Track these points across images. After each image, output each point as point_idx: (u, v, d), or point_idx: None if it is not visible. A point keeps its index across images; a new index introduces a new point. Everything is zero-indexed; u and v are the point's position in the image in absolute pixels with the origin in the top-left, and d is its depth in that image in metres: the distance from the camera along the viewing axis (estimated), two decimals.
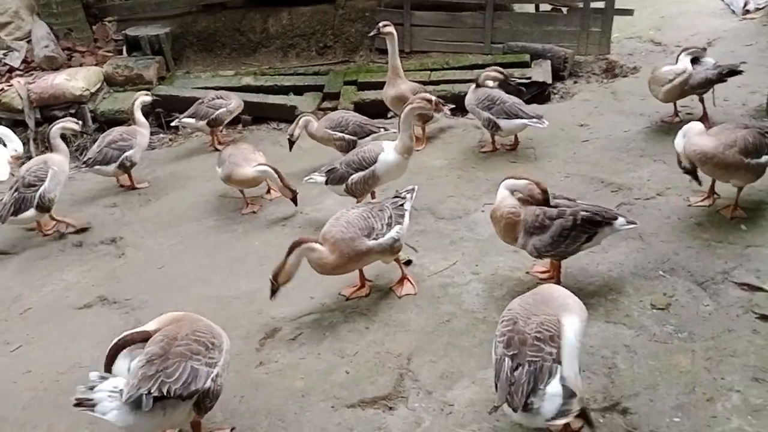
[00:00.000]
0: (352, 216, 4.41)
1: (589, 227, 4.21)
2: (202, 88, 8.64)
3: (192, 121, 7.43)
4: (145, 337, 3.34)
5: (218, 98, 7.49)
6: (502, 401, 3.03)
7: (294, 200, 5.70)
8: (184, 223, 6.10)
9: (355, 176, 5.38)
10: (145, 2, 9.84)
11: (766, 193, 5.27)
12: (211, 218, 6.14)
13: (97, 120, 8.55)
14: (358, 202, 5.43)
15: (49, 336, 4.74)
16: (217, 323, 4.27)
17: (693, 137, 4.87)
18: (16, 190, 5.87)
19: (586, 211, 4.20)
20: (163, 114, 8.61)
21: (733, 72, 6.43)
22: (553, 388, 2.98)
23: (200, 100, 7.51)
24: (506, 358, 3.11)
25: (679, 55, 6.45)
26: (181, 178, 7.04)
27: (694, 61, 6.45)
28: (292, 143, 6.52)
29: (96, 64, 9.19)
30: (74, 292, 5.25)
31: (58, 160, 6.07)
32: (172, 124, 7.84)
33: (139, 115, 6.94)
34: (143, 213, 6.38)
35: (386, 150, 5.37)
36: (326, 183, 5.57)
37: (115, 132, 6.84)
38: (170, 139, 8.39)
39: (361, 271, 4.71)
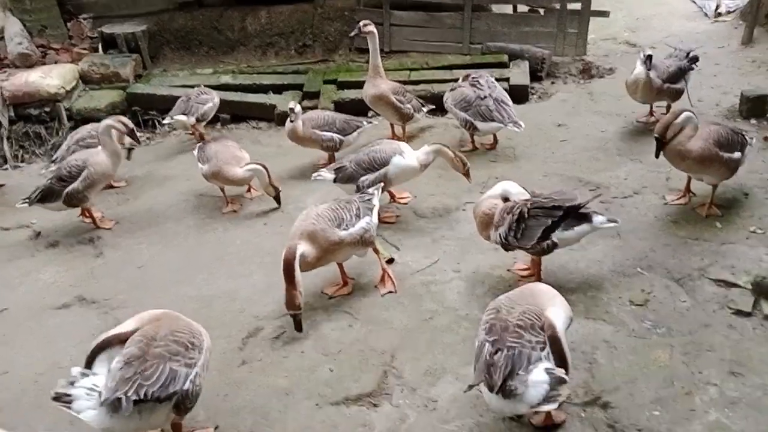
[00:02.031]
0: (320, 209, 4.47)
1: (544, 216, 4.21)
2: (180, 86, 8.55)
3: (184, 118, 7.29)
4: (124, 339, 3.31)
5: (204, 93, 7.45)
6: (479, 381, 3.13)
7: (277, 199, 5.70)
8: (163, 222, 6.04)
9: (367, 178, 5.38)
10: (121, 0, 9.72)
11: (739, 191, 5.39)
12: (191, 217, 6.09)
13: (72, 118, 8.39)
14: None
15: (27, 337, 4.66)
16: (198, 322, 4.26)
17: (691, 127, 4.92)
18: (51, 179, 5.81)
19: (537, 200, 4.27)
20: (140, 112, 8.51)
21: (694, 58, 6.66)
22: (538, 375, 3.04)
23: (185, 97, 7.41)
24: (486, 344, 3.21)
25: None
26: (159, 177, 6.97)
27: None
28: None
29: (71, 62, 9.02)
30: (52, 292, 5.17)
31: (100, 159, 5.83)
32: (164, 122, 7.55)
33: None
34: (121, 212, 6.30)
35: (405, 153, 5.40)
36: (335, 181, 5.53)
37: (84, 129, 6.73)
38: (148, 138, 8.28)
39: (342, 269, 4.72)
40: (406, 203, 5.83)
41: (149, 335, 3.29)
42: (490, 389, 3.08)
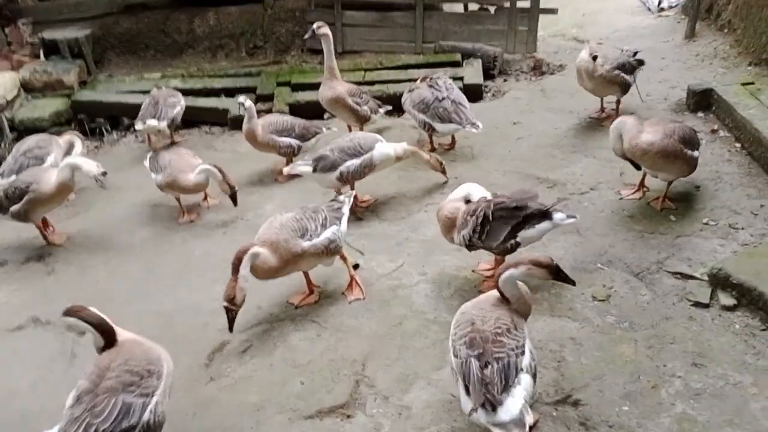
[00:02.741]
0: (285, 218, 4.37)
1: (507, 218, 4.25)
2: (127, 92, 8.33)
3: (156, 122, 7.02)
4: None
5: (171, 96, 7.22)
6: (480, 402, 3.01)
7: (233, 198, 5.55)
8: (117, 235, 5.85)
9: (351, 162, 5.37)
10: (63, 3, 9.38)
11: (691, 184, 5.55)
12: (147, 229, 5.92)
13: (15, 129, 8.08)
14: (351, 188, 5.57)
15: None
16: (160, 340, 4.13)
17: (631, 132, 5.03)
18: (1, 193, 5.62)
19: (499, 202, 4.30)
20: (87, 120, 8.24)
21: (640, 60, 6.83)
22: (517, 392, 3.07)
23: (152, 100, 7.12)
24: (472, 359, 3.13)
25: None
26: (110, 188, 6.71)
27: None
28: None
29: (11, 70, 8.68)
30: (4, 313, 4.95)
31: (44, 188, 5.50)
32: (137, 127, 7.16)
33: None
34: (72, 227, 6.08)
35: (384, 142, 5.57)
36: (314, 171, 5.46)
37: (30, 140, 6.46)
38: (96, 147, 8.02)
39: (307, 277, 4.66)
40: (367, 207, 5.81)
41: (103, 365, 3.17)
42: (493, 408, 2.99)
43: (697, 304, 4.22)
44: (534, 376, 3.20)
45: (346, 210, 4.67)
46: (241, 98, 6.30)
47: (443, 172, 5.92)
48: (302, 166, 5.51)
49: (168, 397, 3.28)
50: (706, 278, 4.38)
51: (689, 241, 4.86)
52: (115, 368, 3.13)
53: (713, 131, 6.37)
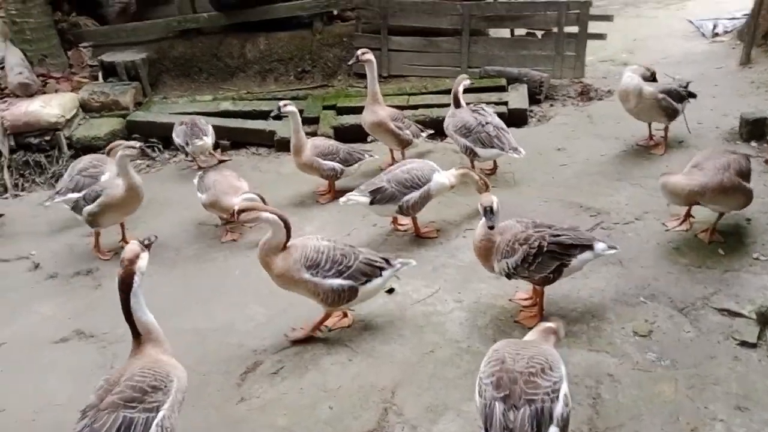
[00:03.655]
0: (315, 243, 4.33)
1: (559, 253, 4.19)
2: (180, 113, 8.57)
3: (207, 139, 7.43)
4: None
5: (204, 123, 7.58)
6: None
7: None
8: (161, 252, 5.99)
9: (411, 196, 5.41)
10: (121, 28, 9.78)
11: (741, 217, 5.35)
12: (190, 247, 6.06)
13: (72, 147, 8.41)
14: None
15: (24, 372, 4.61)
16: (195, 356, 4.21)
17: (677, 184, 4.93)
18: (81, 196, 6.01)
19: (556, 236, 4.21)
20: (140, 140, 8.50)
21: (691, 93, 6.68)
22: None
23: (189, 123, 7.49)
24: (496, 402, 2.97)
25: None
26: (158, 206, 6.94)
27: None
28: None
29: (71, 90, 9.06)
30: (49, 325, 5.12)
31: (114, 192, 5.80)
32: (189, 149, 7.44)
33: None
34: (119, 242, 6.27)
35: (441, 171, 5.60)
36: (371, 203, 5.47)
37: (85, 159, 6.74)
38: (147, 165, 8.29)
39: None
40: (406, 230, 5.80)
41: (113, 380, 3.25)
42: None
43: (744, 344, 4.04)
44: (564, 429, 3.02)
45: (388, 274, 4.44)
46: (282, 102, 6.39)
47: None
48: (359, 196, 5.50)
49: (177, 411, 3.29)
50: (754, 316, 4.20)
51: (738, 276, 4.67)
52: (123, 383, 3.20)
53: (767, 162, 6.13)
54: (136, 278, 3.40)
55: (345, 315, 4.68)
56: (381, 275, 4.38)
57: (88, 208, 5.80)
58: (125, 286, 3.39)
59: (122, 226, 6.19)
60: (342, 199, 5.64)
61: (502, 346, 3.31)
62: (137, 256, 3.43)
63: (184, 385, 3.38)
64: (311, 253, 4.25)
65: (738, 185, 4.83)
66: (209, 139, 7.45)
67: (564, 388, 3.08)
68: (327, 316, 4.49)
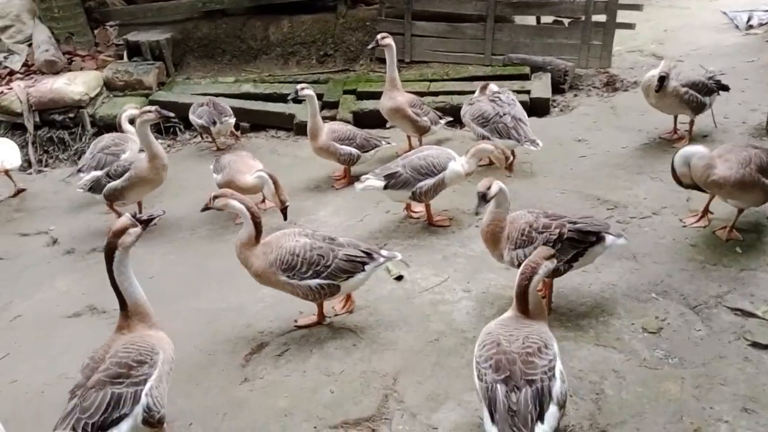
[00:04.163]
0: (291, 245, 4.23)
1: (577, 242, 4.15)
2: (201, 94, 8.62)
3: (229, 119, 7.58)
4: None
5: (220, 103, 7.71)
6: None
7: (284, 212, 5.52)
8: (176, 231, 6.08)
9: (425, 183, 5.37)
10: (147, 8, 9.83)
11: (762, 215, 5.21)
12: (204, 227, 6.11)
13: (95, 124, 8.54)
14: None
15: (38, 345, 4.72)
16: (204, 337, 4.27)
17: (702, 163, 4.74)
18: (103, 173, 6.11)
19: (574, 223, 4.17)
20: (162, 120, 8.59)
21: (722, 86, 6.47)
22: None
23: (210, 104, 7.60)
24: (498, 384, 3.01)
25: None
26: (175, 186, 7.01)
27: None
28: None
29: (96, 69, 9.18)
30: (64, 300, 5.23)
31: (141, 165, 5.94)
32: (213, 129, 7.52)
33: (125, 125, 7.02)
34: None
35: (457, 160, 5.48)
36: (385, 188, 5.45)
37: (107, 138, 6.86)
38: (168, 145, 8.37)
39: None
40: (419, 217, 5.77)
41: (98, 357, 3.32)
42: None
43: (755, 345, 3.94)
44: (563, 406, 3.06)
45: (370, 268, 4.30)
46: (300, 85, 6.39)
47: (509, 167, 5.64)
48: (373, 180, 5.47)
49: (166, 382, 3.36)
50: (767, 317, 4.08)
51: (754, 275, 4.56)
52: (108, 359, 3.26)
53: None
54: (117, 252, 3.41)
55: (348, 298, 4.68)
56: (364, 270, 4.26)
57: (115, 184, 5.88)
58: (107, 257, 3.44)
59: (140, 204, 6.26)
60: (357, 185, 5.62)
61: (494, 328, 3.32)
62: (123, 231, 3.42)
63: (170, 357, 3.44)
64: (286, 256, 4.17)
65: (758, 181, 4.69)
66: (232, 119, 7.59)
67: (558, 365, 3.13)
68: (321, 304, 4.48)
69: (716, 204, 5.15)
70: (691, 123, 6.59)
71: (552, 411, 2.99)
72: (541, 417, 2.95)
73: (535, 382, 2.99)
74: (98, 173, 6.32)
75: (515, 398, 2.96)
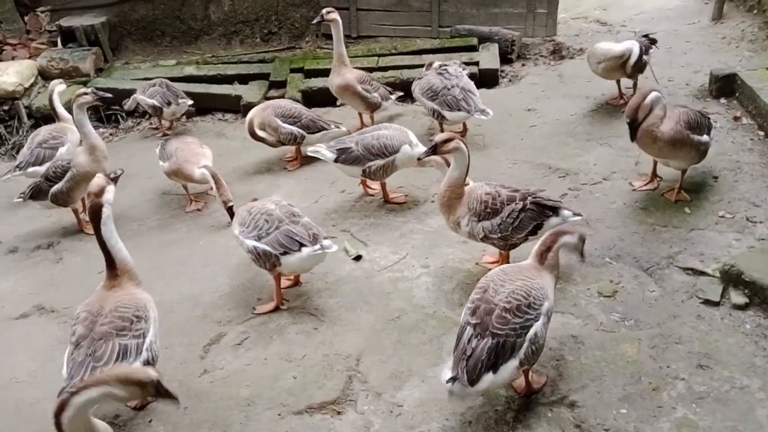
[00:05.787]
0: (258, 206, 4.48)
1: (537, 214, 4.22)
2: (142, 78, 8.32)
3: (185, 101, 7.35)
4: None
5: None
6: (455, 373, 3.09)
7: (229, 212, 5.23)
8: (125, 223, 5.85)
9: (375, 163, 5.29)
10: None
11: (708, 175, 5.34)
12: (154, 217, 5.93)
13: (32, 116, 8.17)
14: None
15: None
16: (159, 330, 4.14)
17: (655, 114, 4.74)
18: (40, 179, 5.73)
19: (535, 195, 4.28)
20: (103, 108, 8.27)
21: (652, 40, 6.63)
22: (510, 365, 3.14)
23: (159, 86, 7.29)
24: (468, 327, 3.20)
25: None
26: (121, 175, 6.75)
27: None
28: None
29: (29, 57, 8.76)
30: (9, 301, 5.01)
31: (81, 160, 5.58)
32: (171, 109, 7.23)
33: (60, 109, 6.63)
34: (81, 214, 6.11)
35: (413, 143, 5.38)
36: (335, 161, 5.39)
37: (44, 131, 6.50)
38: (111, 134, 8.07)
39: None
40: (374, 194, 5.71)
41: (94, 311, 3.44)
42: (468, 383, 3.05)
43: (707, 302, 4.05)
44: (525, 364, 3.25)
45: (306, 251, 4.16)
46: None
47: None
48: (325, 151, 5.43)
49: (158, 338, 3.57)
50: (717, 275, 4.20)
51: (703, 234, 4.67)
52: (107, 314, 3.42)
53: (735, 118, 6.11)
54: (105, 209, 3.62)
55: (296, 280, 4.65)
56: (300, 251, 4.17)
57: (59, 186, 5.56)
58: (95, 217, 3.61)
59: (83, 201, 6.00)
60: (309, 148, 5.58)
61: (493, 273, 3.48)
62: (103, 190, 3.64)
63: (156, 316, 3.64)
64: (244, 213, 4.46)
65: (686, 138, 4.78)
66: (188, 101, 7.35)
67: (537, 327, 3.22)
68: (277, 280, 4.40)
69: (663, 168, 5.24)
70: (635, 85, 6.68)
71: (509, 365, 3.13)
72: (494, 367, 3.10)
73: (500, 336, 3.13)
74: (37, 168, 6.05)
75: (475, 344, 3.14)
